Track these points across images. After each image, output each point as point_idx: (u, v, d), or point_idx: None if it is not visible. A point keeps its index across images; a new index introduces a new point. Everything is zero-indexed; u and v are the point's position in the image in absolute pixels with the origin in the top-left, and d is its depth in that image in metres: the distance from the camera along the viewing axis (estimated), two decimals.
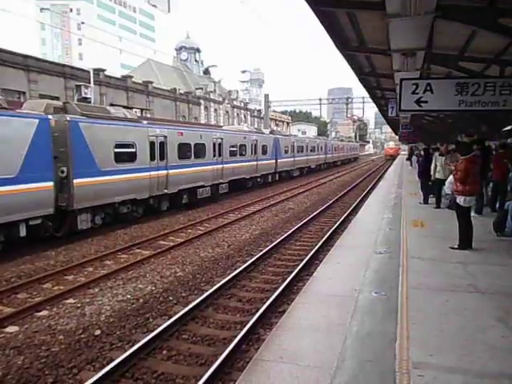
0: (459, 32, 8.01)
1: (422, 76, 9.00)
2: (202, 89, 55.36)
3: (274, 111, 74.15)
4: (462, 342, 4.33)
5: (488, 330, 4.59)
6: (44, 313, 7.19)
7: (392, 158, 69.29)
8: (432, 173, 13.02)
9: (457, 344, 4.28)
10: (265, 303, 7.16)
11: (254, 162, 25.32)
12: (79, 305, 7.49)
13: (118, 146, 13.50)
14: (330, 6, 7.39)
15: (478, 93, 7.14)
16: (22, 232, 10.43)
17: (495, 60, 9.53)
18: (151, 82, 43.60)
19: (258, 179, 26.67)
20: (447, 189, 9.46)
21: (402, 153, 74.85)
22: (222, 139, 20.96)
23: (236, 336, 5.96)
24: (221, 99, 59.50)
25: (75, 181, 11.70)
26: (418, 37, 6.57)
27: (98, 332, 6.41)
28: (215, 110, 58.06)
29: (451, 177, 8.58)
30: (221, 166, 20.63)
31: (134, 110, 18.60)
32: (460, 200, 7.79)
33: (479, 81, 7.26)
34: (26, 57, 28.48)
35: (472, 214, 8.59)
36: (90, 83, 27.79)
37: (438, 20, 6.10)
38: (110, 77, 37.21)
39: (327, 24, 8.19)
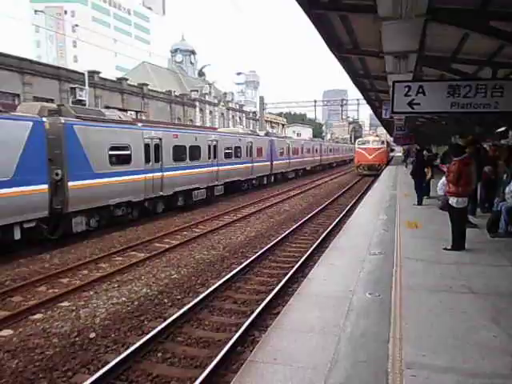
0: (451, 34, 8.07)
1: (414, 78, 9.06)
2: (197, 91, 55.32)
3: (270, 113, 74.22)
4: (454, 342, 4.36)
5: (481, 330, 4.63)
6: (38, 316, 7.17)
7: (373, 170, 36.74)
8: None
9: (450, 344, 4.31)
10: (260, 305, 7.18)
11: (250, 164, 25.34)
12: (74, 308, 7.47)
13: (112, 148, 13.49)
14: (323, 9, 7.43)
15: (470, 95, 7.21)
16: (17, 235, 10.40)
17: (488, 62, 9.61)
18: (146, 85, 43.53)
19: (254, 181, 26.71)
20: (440, 190, 9.51)
21: (397, 154, 67.75)
22: (217, 141, 20.98)
23: (231, 338, 5.98)
24: (216, 101, 59.49)
25: (70, 183, 11.69)
26: (409, 39, 6.62)
27: (92, 335, 6.40)
28: (210, 112, 58.01)
29: (444, 178, 8.63)
30: (216, 168, 20.65)
31: (129, 112, 18.62)
32: (453, 201, 7.84)
33: (471, 83, 7.33)
34: (20, 59, 28.36)
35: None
36: (84, 86, 27.68)
37: (429, 23, 6.15)
38: (105, 79, 37.12)
39: (320, 27, 8.24)
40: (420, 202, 13.68)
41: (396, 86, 7.57)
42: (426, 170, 14.43)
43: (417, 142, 35.17)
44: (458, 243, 7.86)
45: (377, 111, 26.80)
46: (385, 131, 53.06)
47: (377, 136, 43.30)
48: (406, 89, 7.41)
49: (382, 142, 39.34)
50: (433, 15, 5.80)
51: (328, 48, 9.57)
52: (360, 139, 42.87)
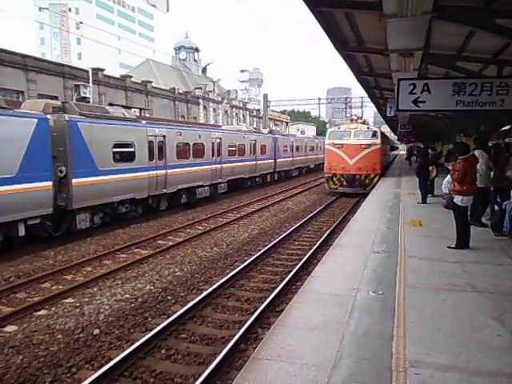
0: (457, 32, 8.03)
1: (419, 76, 9.03)
2: (200, 88, 55.33)
3: (273, 111, 74.06)
4: (458, 340, 4.36)
5: (484, 328, 4.62)
6: (43, 312, 7.21)
7: (358, 185, 21.81)
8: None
9: (453, 342, 4.30)
10: (263, 302, 7.19)
11: (253, 162, 25.34)
12: (78, 304, 7.50)
13: (116, 145, 13.52)
14: (328, 6, 7.41)
15: (476, 93, 7.19)
16: (21, 231, 10.44)
17: (493, 60, 9.56)
18: (150, 82, 43.57)
19: (257, 179, 26.71)
20: (444, 188, 9.48)
21: (401, 153, 66.29)
22: (220, 139, 20.98)
23: (234, 335, 5.98)
24: (220, 99, 59.47)
25: (74, 180, 11.72)
26: (415, 37, 6.60)
27: (96, 331, 6.43)
28: (214, 109, 58.02)
29: (448, 176, 8.61)
30: (219, 165, 20.66)
31: (133, 109, 18.61)
32: (457, 200, 7.82)
33: (476, 81, 7.31)
34: (24, 56, 28.44)
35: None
36: (88, 83, 27.79)
37: (435, 20, 6.12)
38: (109, 76, 37.16)
39: (325, 24, 8.21)
40: (424, 201, 13.65)
41: (401, 83, 7.56)
42: (430, 168, 14.40)
43: (421, 141, 35.11)
44: (462, 242, 7.85)
45: (381, 109, 26.72)
46: (389, 129, 52.48)
47: (364, 123, 24.27)
48: (411, 87, 7.39)
49: (374, 134, 22.39)
50: (439, 13, 5.78)
51: (333, 45, 9.53)
52: (333, 129, 24.75)
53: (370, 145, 21.89)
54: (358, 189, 21.49)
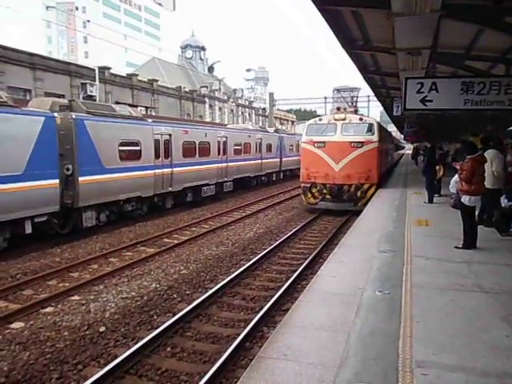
0: (465, 31, 7.99)
1: (427, 75, 8.98)
2: (206, 87, 55.30)
3: (279, 110, 73.94)
4: (465, 340, 4.32)
5: (492, 329, 4.58)
6: (49, 309, 7.25)
7: (346, 199, 16.08)
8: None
9: (460, 343, 4.27)
10: (269, 301, 7.19)
11: (259, 161, 25.34)
12: (84, 302, 7.54)
13: (122, 143, 13.56)
14: (336, 5, 7.38)
15: (484, 92, 7.15)
16: (28, 229, 10.50)
17: (501, 59, 9.50)
18: (156, 80, 43.60)
19: (263, 178, 26.71)
20: (452, 188, 9.42)
21: (407, 152, 65.93)
22: (226, 137, 20.99)
23: (240, 334, 5.98)
24: (226, 97, 59.41)
25: (80, 178, 11.77)
26: (423, 35, 6.55)
27: (102, 329, 6.45)
28: (220, 108, 57.98)
29: (456, 176, 8.55)
30: (225, 164, 20.68)
31: (139, 108, 18.66)
32: (465, 199, 7.76)
33: (485, 80, 7.26)
34: (31, 55, 28.52)
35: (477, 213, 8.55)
36: (95, 81, 27.83)
37: (443, 19, 6.08)
38: (116, 75, 37.22)
39: (333, 23, 8.19)
40: (431, 200, 13.57)
41: (408, 82, 7.52)
42: (437, 167, 14.32)
43: (428, 140, 34.93)
44: (470, 242, 7.79)
45: (388, 108, 26.63)
46: (395, 128, 52.01)
47: (356, 112, 19.20)
48: (419, 85, 7.35)
49: (370, 129, 16.54)
50: (447, 11, 5.73)
51: (340, 44, 9.51)
52: (312, 121, 17.77)
53: (363, 143, 16.05)
54: (345, 204, 16.12)
